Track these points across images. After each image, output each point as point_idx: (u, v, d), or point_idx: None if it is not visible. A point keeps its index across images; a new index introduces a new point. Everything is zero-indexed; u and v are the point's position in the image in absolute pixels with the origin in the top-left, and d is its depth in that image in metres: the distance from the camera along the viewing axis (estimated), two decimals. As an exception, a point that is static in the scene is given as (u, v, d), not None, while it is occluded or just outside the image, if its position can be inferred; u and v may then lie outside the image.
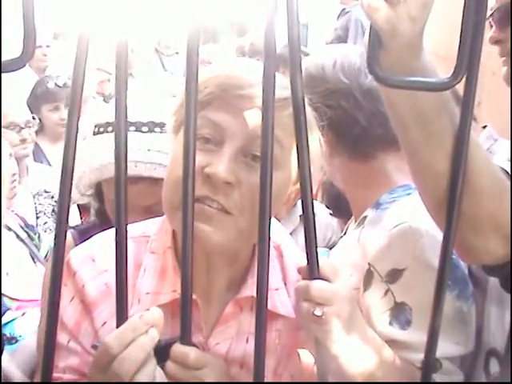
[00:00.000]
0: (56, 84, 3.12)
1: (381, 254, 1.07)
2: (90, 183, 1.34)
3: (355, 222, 1.26)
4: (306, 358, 1.05)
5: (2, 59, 0.63)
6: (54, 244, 0.71)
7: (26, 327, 1.42)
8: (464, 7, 0.70)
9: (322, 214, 2.16)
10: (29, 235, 1.84)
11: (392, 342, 0.99)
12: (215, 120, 0.86)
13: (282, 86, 0.77)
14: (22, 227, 1.84)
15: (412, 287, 1.02)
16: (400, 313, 1.02)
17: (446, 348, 1.00)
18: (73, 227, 1.51)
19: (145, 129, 1.31)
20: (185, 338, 0.77)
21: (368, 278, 1.07)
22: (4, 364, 1.29)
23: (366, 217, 1.19)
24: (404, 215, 1.08)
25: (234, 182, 0.84)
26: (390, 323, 1.03)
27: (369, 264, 1.07)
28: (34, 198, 2.49)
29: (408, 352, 0.99)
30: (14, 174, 2.08)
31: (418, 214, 0.95)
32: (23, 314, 1.48)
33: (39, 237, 1.86)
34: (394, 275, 1.04)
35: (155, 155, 1.28)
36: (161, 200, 0.99)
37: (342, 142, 1.19)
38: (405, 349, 1.00)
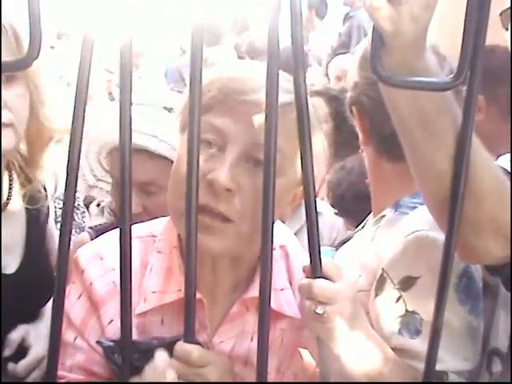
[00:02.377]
0: None
1: (395, 259, 1.05)
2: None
3: (373, 218, 1.25)
4: (308, 358, 1.05)
5: (10, 59, 0.63)
6: (59, 243, 0.72)
7: None
8: (466, 7, 0.70)
9: (328, 214, 2.15)
10: None
11: (399, 350, 0.99)
12: (218, 125, 0.86)
13: (285, 91, 0.77)
14: None
15: (424, 297, 1.00)
16: (410, 321, 1.01)
17: (454, 363, 1.00)
18: (91, 227, 1.53)
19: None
20: (188, 337, 0.78)
21: (380, 283, 1.06)
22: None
23: (383, 216, 1.19)
24: (423, 223, 1.05)
25: (234, 189, 0.85)
26: (400, 331, 1.01)
27: (382, 269, 1.06)
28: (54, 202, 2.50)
29: (414, 361, 0.98)
30: None
31: None
32: None
33: None
34: (407, 283, 1.03)
35: (149, 126, 1.31)
36: (156, 179, 1.11)
37: (374, 137, 1.18)
38: (412, 357, 0.99)
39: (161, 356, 0.79)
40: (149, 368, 0.77)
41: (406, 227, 1.09)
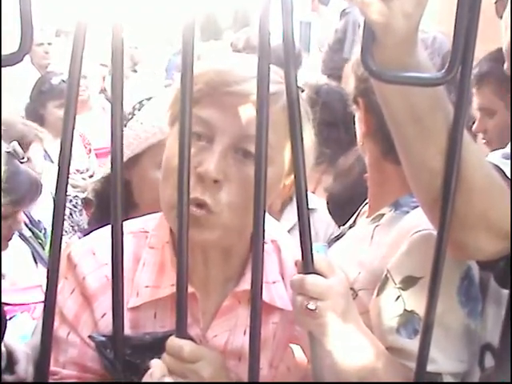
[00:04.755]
0: (63, 80, 3.15)
1: (400, 259, 1.05)
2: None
3: (368, 215, 1.24)
4: (300, 354, 1.05)
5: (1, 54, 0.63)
6: (51, 240, 0.72)
7: (10, 333, 1.41)
8: (458, 2, 0.70)
9: (323, 210, 2.14)
10: (33, 233, 1.83)
11: (395, 350, 0.99)
12: (205, 117, 0.87)
13: (272, 81, 0.77)
14: (26, 225, 1.84)
15: (425, 297, 1.00)
16: (408, 321, 1.01)
17: (449, 365, 1.00)
18: (80, 231, 1.54)
19: None
20: (180, 332, 0.78)
21: (383, 283, 1.05)
22: (7, 339, 1.28)
23: (382, 214, 1.18)
24: (427, 222, 1.02)
25: (222, 180, 0.86)
26: (398, 330, 1.01)
27: (387, 270, 1.05)
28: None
29: (409, 361, 0.96)
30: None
31: None
32: (10, 319, 1.46)
33: (45, 233, 1.85)
34: (408, 282, 1.02)
35: None
36: None
37: (379, 134, 1.16)
38: (406, 357, 0.98)
39: (157, 363, 0.80)
40: (146, 377, 0.79)
41: (409, 226, 1.08)
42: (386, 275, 1.05)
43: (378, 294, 1.06)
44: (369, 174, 1.26)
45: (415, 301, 1.01)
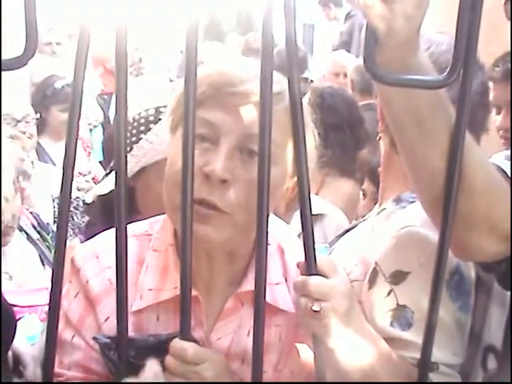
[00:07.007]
0: (67, 84, 3.16)
1: (387, 253, 1.06)
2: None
3: (378, 207, 1.26)
4: (306, 354, 1.05)
5: (4, 57, 0.64)
6: (56, 243, 0.73)
7: (18, 334, 1.41)
8: (459, 5, 0.70)
9: (333, 215, 2.14)
10: (41, 235, 1.83)
11: (391, 340, 0.99)
12: (209, 119, 0.88)
13: (274, 81, 0.77)
14: (34, 227, 1.83)
15: (415, 292, 1.01)
16: (401, 315, 1.02)
17: (443, 356, 1.01)
18: (81, 233, 1.55)
19: None
20: (184, 334, 0.78)
21: (373, 275, 1.07)
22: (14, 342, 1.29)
23: (385, 208, 1.20)
24: (415, 218, 1.06)
25: (230, 180, 0.86)
26: (391, 324, 1.02)
27: (375, 262, 1.07)
28: (53, 201, 2.53)
29: (405, 350, 0.99)
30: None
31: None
32: (18, 320, 1.46)
33: (52, 236, 1.85)
34: (398, 277, 1.04)
35: None
36: None
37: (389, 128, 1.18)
38: (403, 347, 1.00)
39: (152, 366, 0.80)
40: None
41: (399, 221, 1.09)
42: (375, 268, 1.07)
43: (369, 287, 1.07)
44: (381, 168, 1.27)
45: (407, 295, 1.03)
